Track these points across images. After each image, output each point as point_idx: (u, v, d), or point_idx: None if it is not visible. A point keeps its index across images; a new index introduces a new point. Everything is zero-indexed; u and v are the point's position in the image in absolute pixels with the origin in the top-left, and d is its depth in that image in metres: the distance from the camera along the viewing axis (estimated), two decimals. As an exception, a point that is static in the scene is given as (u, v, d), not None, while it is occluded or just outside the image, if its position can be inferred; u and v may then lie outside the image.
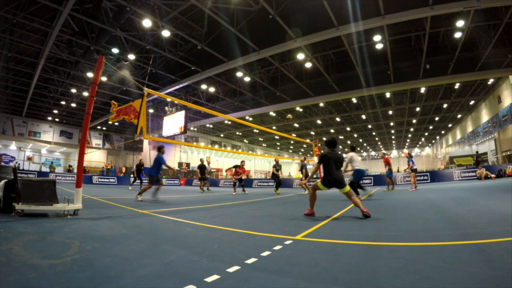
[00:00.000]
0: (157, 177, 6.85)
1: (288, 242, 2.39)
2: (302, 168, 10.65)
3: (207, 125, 29.45)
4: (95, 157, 27.41)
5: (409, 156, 10.33)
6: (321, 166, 4.09)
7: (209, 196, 9.53)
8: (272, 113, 24.57)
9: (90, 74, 15.88)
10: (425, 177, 16.02)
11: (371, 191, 10.76)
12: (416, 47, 13.89)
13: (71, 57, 14.30)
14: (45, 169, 24.20)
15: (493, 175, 13.59)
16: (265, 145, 46.02)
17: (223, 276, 1.55)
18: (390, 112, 25.63)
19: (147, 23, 11.14)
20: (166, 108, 21.92)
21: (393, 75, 15.33)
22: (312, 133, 33.38)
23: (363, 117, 27.01)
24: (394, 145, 48.79)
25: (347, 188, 3.95)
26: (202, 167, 11.91)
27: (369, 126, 31.58)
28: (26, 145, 26.16)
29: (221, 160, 41.94)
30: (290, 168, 53.95)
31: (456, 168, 21.24)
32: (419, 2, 9.45)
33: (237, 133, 35.48)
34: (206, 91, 19.42)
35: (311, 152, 36.18)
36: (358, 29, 10.56)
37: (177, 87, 17.24)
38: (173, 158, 33.84)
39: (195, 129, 30.17)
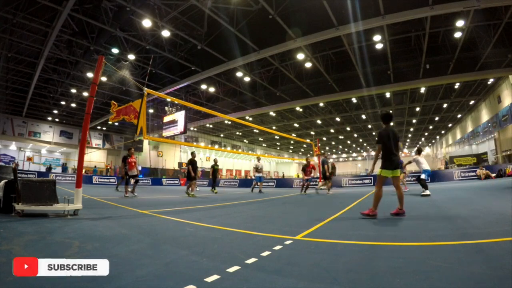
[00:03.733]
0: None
1: (288, 242, 2.39)
2: (324, 164, 10.11)
3: (207, 125, 29.43)
4: (95, 157, 27.40)
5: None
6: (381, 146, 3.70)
7: (209, 196, 9.52)
8: (272, 113, 24.56)
9: (90, 74, 15.87)
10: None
11: (371, 191, 10.76)
12: (416, 47, 13.89)
13: (71, 57, 14.29)
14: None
15: (493, 175, 13.59)
16: (265, 145, 46.01)
17: (223, 276, 1.55)
18: (390, 112, 25.61)
19: (147, 23, 11.14)
20: (166, 108, 21.92)
21: (393, 75, 15.33)
22: (312, 133, 33.38)
23: (363, 117, 27.01)
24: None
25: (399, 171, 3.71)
26: (193, 162, 9.22)
27: (369, 126, 31.57)
28: (26, 145, 26.15)
29: (221, 160, 41.94)
30: (290, 168, 53.91)
31: (456, 168, 21.24)
32: (419, 2, 9.45)
33: (237, 133, 35.48)
34: (206, 91, 19.41)
35: (311, 152, 36.15)
36: (358, 29, 10.56)
37: (177, 87, 17.24)
38: (173, 158, 33.81)
39: (195, 129, 30.15)
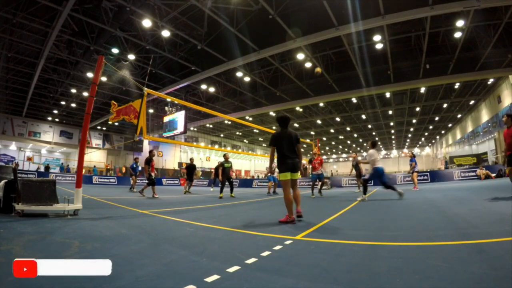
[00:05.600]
0: None
1: (288, 242, 2.39)
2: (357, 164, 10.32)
3: (207, 125, 29.43)
4: (95, 157, 27.41)
5: (413, 156, 10.26)
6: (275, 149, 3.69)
7: (209, 196, 9.52)
8: (272, 113, 24.55)
9: (90, 74, 15.86)
10: (425, 177, 16.00)
11: (371, 190, 10.77)
12: (416, 47, 13.88)
13: (71, 57, 14.29)
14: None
15: (493, 175, 13.59)
16: (265, 145, 46.00)
17: (223, 276, 1.55)
18: (390, 112, 25.61)
19: (147, 23, 11.14)
20: (166, 108, 21.91)
21: (393, 75, 15.32)
22: (312, 133, 33.37)
23: (363, 117, 27.00)
24: (394, 145, 48.74)
25: (299, 174, 3.63)
26: (191, 167, 11.21)
27: (369, 126, 31.56)
28: (26, 145, 26.15)
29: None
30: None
31: (456, 168, 21.24)
32: (419, 2, 9.45)
33: (237, 133, 35.46)
34: (206, 91, 19.41)
35: (311, 152, 36.08)
36: (358, 29, 10.55)
37: (177, 87, 17.24)
38: (173, 158, 33.80)
39: (195, 129, 30.15)
